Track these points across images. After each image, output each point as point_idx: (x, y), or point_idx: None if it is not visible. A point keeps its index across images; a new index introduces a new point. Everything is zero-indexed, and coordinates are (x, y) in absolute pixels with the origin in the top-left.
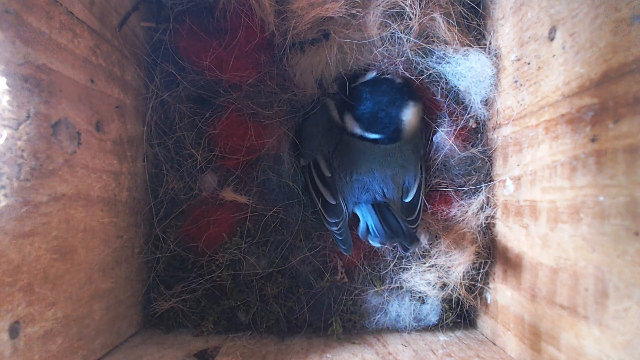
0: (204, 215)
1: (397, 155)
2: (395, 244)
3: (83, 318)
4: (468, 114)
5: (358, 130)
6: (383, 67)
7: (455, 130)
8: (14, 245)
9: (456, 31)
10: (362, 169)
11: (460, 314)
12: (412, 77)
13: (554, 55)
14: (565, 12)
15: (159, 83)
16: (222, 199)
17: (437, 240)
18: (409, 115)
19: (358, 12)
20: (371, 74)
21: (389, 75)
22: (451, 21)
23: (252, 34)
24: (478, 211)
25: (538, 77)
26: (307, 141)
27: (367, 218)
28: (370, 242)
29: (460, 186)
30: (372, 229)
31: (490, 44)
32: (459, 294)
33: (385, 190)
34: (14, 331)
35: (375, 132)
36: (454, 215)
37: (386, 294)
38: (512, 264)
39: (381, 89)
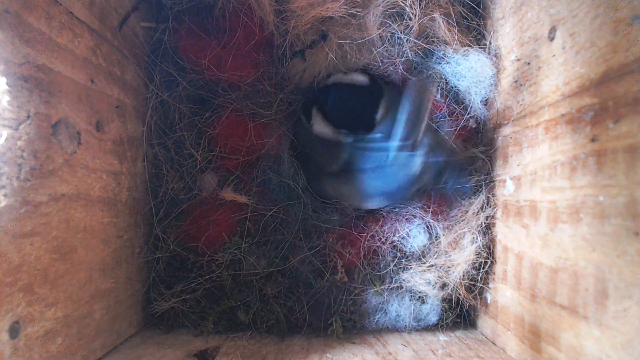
0: (204, 215)
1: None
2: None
3: (83, 318)
4: (468, 114)
5: (328, 131)
6: (381, 67)
7: (455, 130)
8: (14, 245)
9: (456, 31)
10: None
11: (460, 313)
12: (412, 77)
13: (554, 55)
14: (565, 12)
15: (158, 83)
16: (222, 199)
17: (437, 240)
18: (380, 111)
19: (358, 12)
20: (338, 76)
21: (354, 77)
22: (451, 21)
23: (251, 33)
24: (478, 211)
25: (538, 77)
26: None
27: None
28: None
29: (461, 186)
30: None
31: (490, 44)
32: (459, 294)
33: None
34: (14, 331)
35: (345, 128)
36: (454, 215)
37: (386, 293)
38: (512, 264)
39: (351, 92)
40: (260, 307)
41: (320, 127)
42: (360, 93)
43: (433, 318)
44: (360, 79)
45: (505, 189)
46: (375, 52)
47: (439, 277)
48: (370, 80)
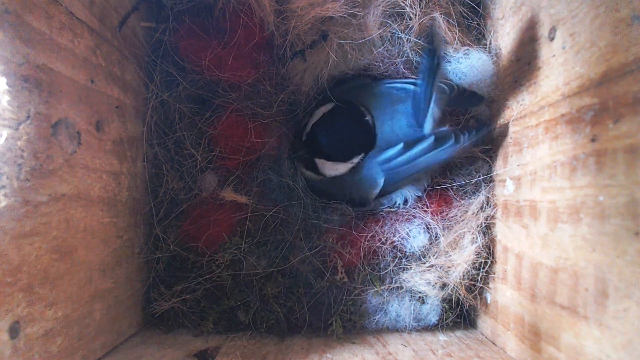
0: (204, 215)
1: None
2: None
3: (83, 318)
4: (469, 113)
5: (342, 168)
6: (382, 67)
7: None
8: (14, 245)
9: (456, 31)
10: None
11: (460, 314)
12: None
13: (554, 55)
14: (565, 12)
15: (159, 83)
16: (222, 199)
17: (437, 240)
18: (367, 115)
19: (358, 11)
20: (319, 111)
21: (319, 110)
22: (451, 21)
23: (251, 33)
24: (478, 211)
25: (538, 77)
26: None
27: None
28: None
29: (460, 186)
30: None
31: (490, 43)
32: (459, 294)
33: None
34: (14, 331)
35: (353, 155)
36: (454, 215)
37: (386, 294)
38: (512, 264)
39: (329, 120)
40: (260, 307)
41: (333, 170)
42: (336, 115)
43: (433, 318)
44: (324, 107)
45: (505, 189)
46: (375, 52)
47: (439, 277)
48: (335, 103)
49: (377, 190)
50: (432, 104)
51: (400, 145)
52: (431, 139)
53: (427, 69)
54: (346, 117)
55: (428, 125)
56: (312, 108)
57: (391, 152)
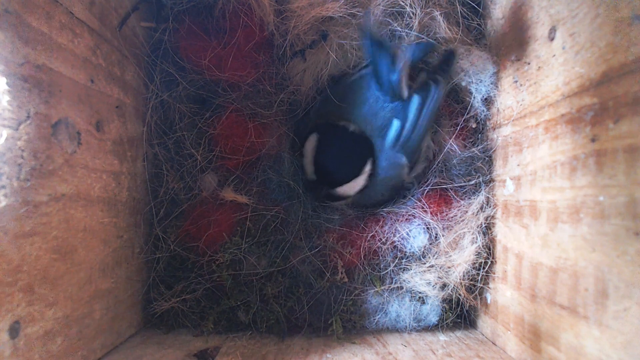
0: (204, 215)
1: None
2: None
3: (83, 318)
4: (468, 113)
5: (359, 184)
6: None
7: (455, 130)
8: (14, 245)
9: (457, 30)
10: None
11: (460, 314)
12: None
13: (554, 55)
14: (565, 12)
15: (159, 83)
16: (222, 199)
17: (437, 240)
18: (351, 126)
19: (358, 11)
20: (308, 148)
21: (307, 147)
22: (452, 20)
23: (251, 33)
24: (478, 211)
25: (538, 77)
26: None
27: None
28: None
29: (460, 186)
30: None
31: (490, 43)
32: (459, 294)
33: None
34: (14, 331)
35: (360, 165)
36: (454, 215)
37: (386, 294)
38: (512, 264)
39: (332, 147)
40: (260, 307)
41: (354, 187)
42: (324, 142)
43: (433, 318)
44: (310, 143)
45: (505, 189)
46: None
47: (439, 277)
48: (318, 135)
49: (406, 170)
50: (401, 73)
51: (398, 124)
52: (417, 100)
53: (380, 57)
54: (334, 138)
55: (405, 92)
56: (300, 143)
57: (393, 132)
